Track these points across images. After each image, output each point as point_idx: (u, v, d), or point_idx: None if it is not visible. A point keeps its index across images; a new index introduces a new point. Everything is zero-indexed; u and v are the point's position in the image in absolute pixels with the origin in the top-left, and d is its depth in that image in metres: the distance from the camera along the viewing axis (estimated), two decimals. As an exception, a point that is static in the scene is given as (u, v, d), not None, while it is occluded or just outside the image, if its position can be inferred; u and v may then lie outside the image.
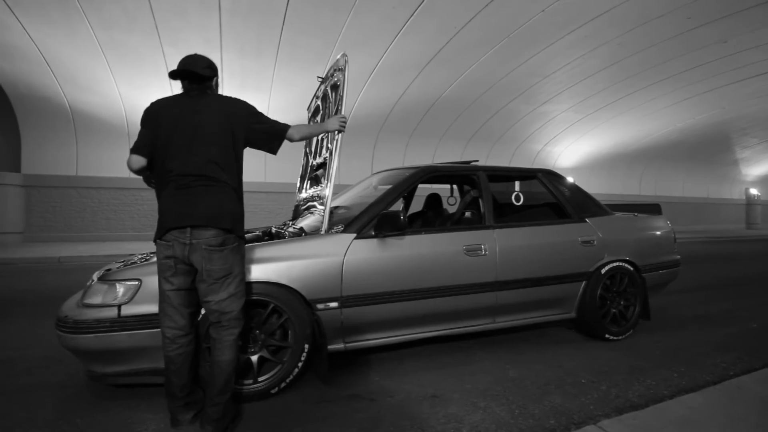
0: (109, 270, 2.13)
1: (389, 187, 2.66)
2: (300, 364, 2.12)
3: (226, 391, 1.74)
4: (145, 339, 1.91)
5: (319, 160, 2.83)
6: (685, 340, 3.01)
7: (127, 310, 1.90)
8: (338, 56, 2.52)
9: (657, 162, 19.23)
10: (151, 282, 1.95)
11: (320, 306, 2.18)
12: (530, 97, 12.58)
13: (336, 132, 2.24)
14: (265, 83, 9.70)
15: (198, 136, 1.74)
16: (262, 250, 2.17)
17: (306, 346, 2.12)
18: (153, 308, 1.91)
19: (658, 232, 3.35)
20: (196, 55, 1.90)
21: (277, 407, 1.99)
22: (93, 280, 2.10)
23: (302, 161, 3.44)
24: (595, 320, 2.88)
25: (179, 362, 1.75)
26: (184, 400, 1.78)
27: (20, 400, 2.04)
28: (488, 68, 10.59)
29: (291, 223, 3.05)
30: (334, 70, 2.62)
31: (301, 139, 2.03)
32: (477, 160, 3.22)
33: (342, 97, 2.39)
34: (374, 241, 2.35)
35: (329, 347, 2.23)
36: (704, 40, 10.13)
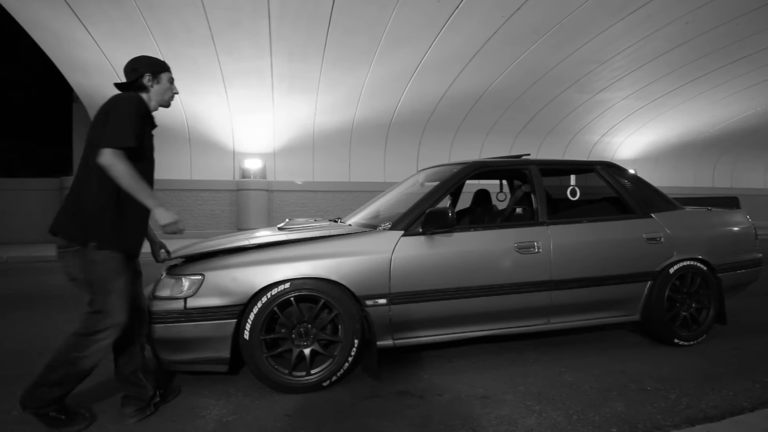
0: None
1: (436, 183, 2.63)
2: (350, 359, 2.16)
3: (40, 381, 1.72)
4: (209, 330, 2.04)
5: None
6: (770, 347, 2.71)
7: (192, 303, 2.03)
8: None
9: (733, 151, 17.39)
10: (214, 277, 2.08)
11: (369, 302, 2.20)
12: (585, 86, 11.86)
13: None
14: (312, 84, 9.95)
15: (87, 141, 1.77)
16: (312, 247, 2.24)
17: (355, 341, 2.16)
18: (215, 301, 2.04)
19: (736, 228, 3.04)
20: (129, 60, 1.89)
21: (328, 400, 2.04)
22: (162, 274, 2.27)
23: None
24: (663, 323, 2.67)
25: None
26: (125, 392, 1.89)
27: (101, 381, 2.25)
28: (538, 58, 10.12)
29: (339, 219, 3.11)
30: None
31: (114, 176, 1.65)
32: (528, 154, 3.10)
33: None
34: (422, 238, 2.34)
35: (378, 343, 2.25)
36: (791, 12, 8.99)
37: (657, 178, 14.96)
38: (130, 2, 7.22)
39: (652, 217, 2.80)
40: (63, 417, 1.74)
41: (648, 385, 2.16)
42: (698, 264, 2.77)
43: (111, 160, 1.64)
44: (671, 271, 2.71)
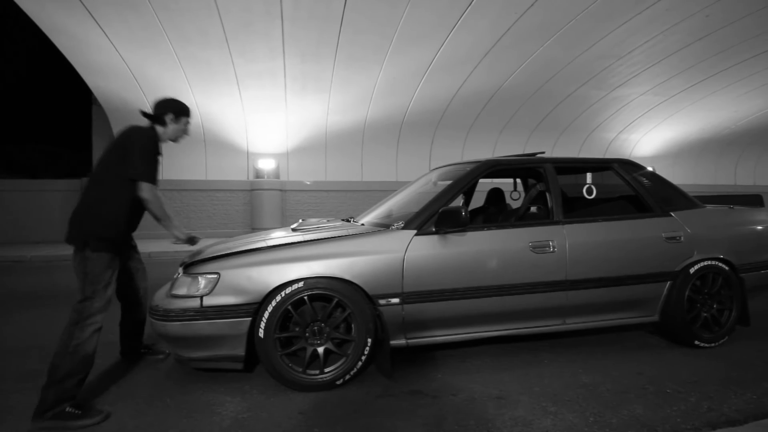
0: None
1: (449, 182, 2.62)
2: (363, 358, 2.17)
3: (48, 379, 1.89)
4: (224, 328, 2.07)
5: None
6: (797, 350, 2.62)
7: (208, 301, 2.07)
8: None
9: (756, 147, 16.86)
10: (229, 275, 2.11)
11: (382, 301, 2.21)
12: (601, 82, 11.64)
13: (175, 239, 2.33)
14: (324, 84, 10.00)
15: (102, 164, 2.16)
16: (325, 246, 2.25)
17: (369, 340, 2.16)
18: (231, 299, 2.07)
19: (760, 227, 2.95)
20: (163, 99, 2.36)
21: (341, 399, 2.05)
22: (179, 273, 2.31)
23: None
24: (683, 325, 2.61)
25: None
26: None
27: (122, 378, 2.31)
28: (552, 54, 9.97)
29: (352, 219, 3.12)
30: None
31: (150, 206, 2.16)
32: (543, 152, 3.06)
33: None
34: (435, 237, 2.33)
35: (391, 342, 2.25)
36: (818, 3, 8.67)
37: (676, 176, 14.61)
38: (147, 6, 7.36)
39: (671, 215, 2.74)
40: (79, 412, 1.84)
41: (667, 388, 2.11)
42: (720, 264, 2.70)
43: (150, 195, 2.11)
44: (692, 271, 2.64)
